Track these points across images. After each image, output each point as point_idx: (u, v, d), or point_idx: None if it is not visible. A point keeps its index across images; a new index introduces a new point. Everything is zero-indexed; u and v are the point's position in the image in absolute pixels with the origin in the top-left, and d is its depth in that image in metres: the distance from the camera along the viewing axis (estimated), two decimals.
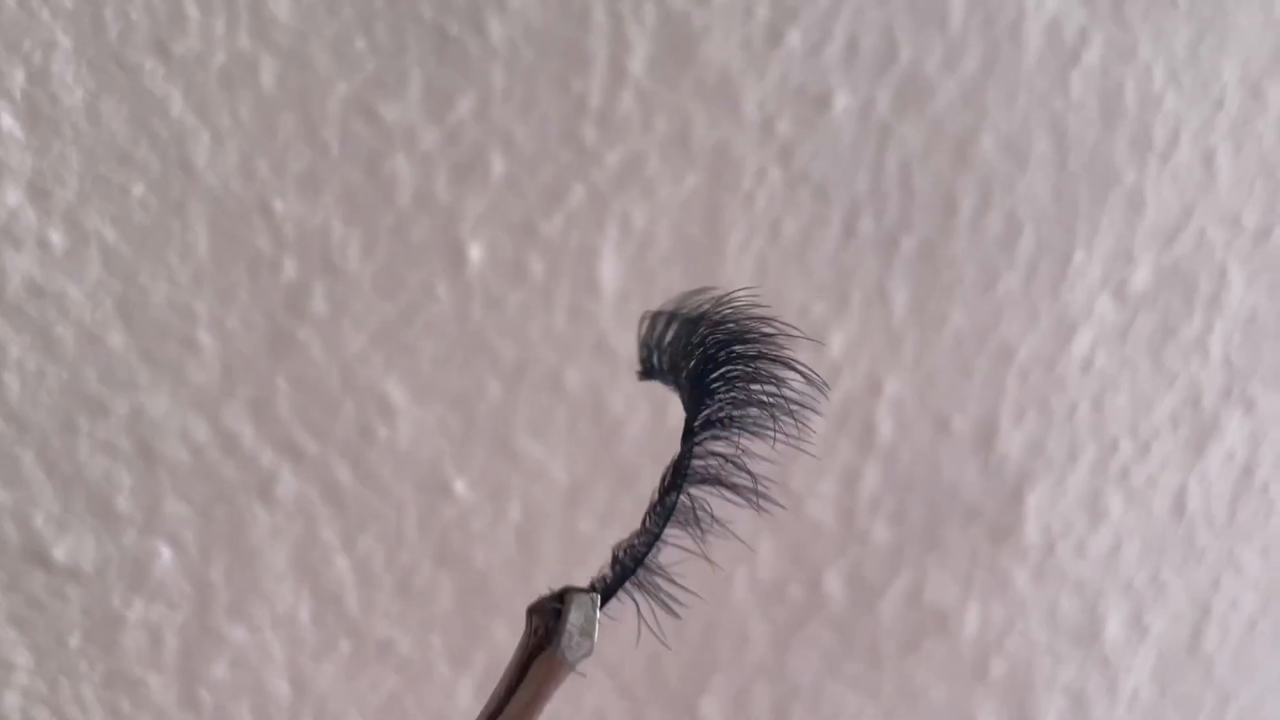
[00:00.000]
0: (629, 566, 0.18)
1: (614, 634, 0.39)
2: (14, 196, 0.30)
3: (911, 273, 0.38)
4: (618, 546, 0.19)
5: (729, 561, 0.39)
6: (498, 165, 0.33)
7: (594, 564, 0.38)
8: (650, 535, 0.18)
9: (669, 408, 0.37)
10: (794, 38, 0.35)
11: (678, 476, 0.18)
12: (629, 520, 0.38)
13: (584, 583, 0.19)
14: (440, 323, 0.34)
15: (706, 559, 0.17)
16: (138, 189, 0.30)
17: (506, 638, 0.37)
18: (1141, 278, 0.41)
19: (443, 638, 0.36)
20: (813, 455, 0.18)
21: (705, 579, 0.39)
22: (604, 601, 0.18)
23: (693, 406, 0.17)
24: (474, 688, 0.37)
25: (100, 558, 0.33)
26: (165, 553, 0.33)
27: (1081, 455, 0.42)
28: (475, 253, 0.33)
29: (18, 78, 0.29)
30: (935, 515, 0.41)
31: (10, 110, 0.29)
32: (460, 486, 0.35)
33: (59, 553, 0.32)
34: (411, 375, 0.34)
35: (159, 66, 0.30)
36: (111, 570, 0.33)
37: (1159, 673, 0.47)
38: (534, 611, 0.17)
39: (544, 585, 0.37)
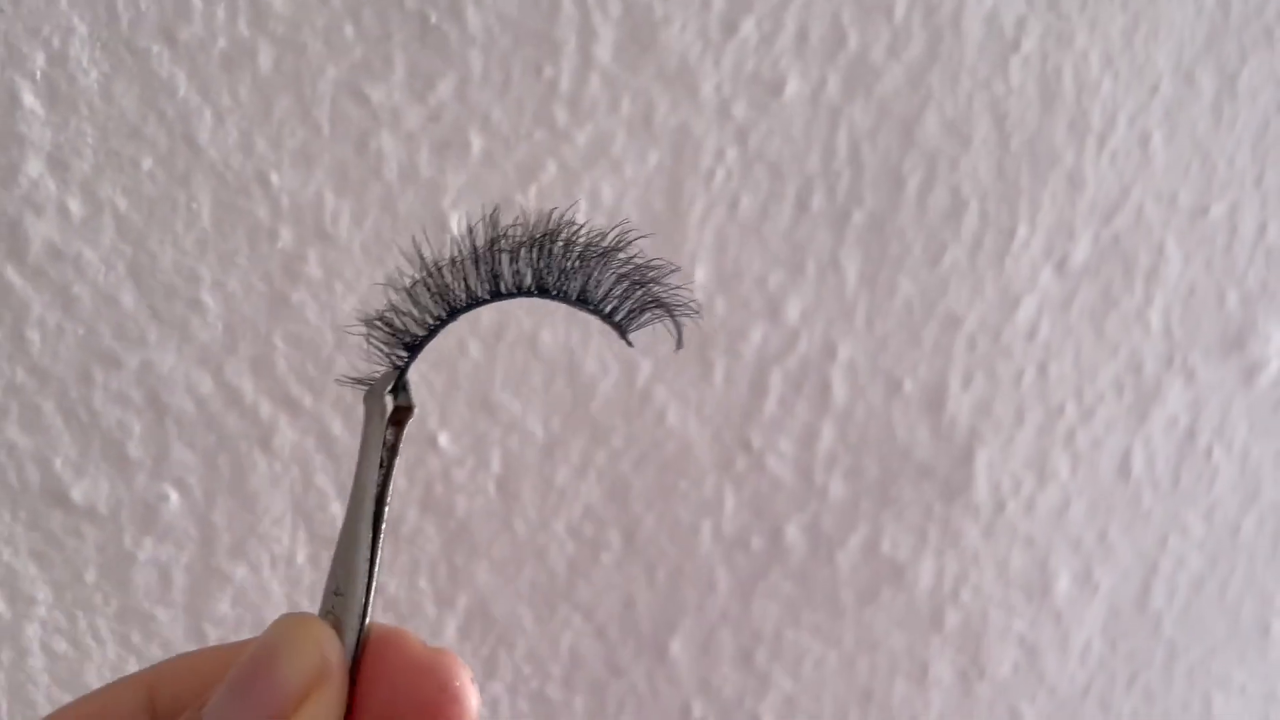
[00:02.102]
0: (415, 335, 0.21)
1: (588, 577, 0.40)
2: (35, 168, 0.32)
3: (862, 245, 0.40)
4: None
5: (695, 513, 0.41)
6: (476, 143, 0.35)
7: (569, 513, 0.40)
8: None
9: (639, 367, 0.39)
10: (748, 27, 0.37)
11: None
12: (602, 471, 0.40)
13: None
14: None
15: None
16: (147, 162, 0.33)
17: (488, 581, 0.39)
18: (1083, 252, 0.43)
19: (428, 580, 0.38)
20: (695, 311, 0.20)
21: (674, 531, 0.41)
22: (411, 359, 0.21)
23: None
24: (457, 627, 0.39)
25: (114, 499, 0.35)
26: (173, 496, 0.35)
27: (1028, 418, 0.44)
28: (456, 224, 0.36)
29: (38, 60, 0.31)
30: (889, 472, 0.43)
31: (32, 89, 0.31)
32: (444, 439, 0.37)
33: (76, 494, 0.34)
34: None
35: (166, 51, 0.32)
36: (124, 512, 0.35)
37: (1109, 627, 0.48)
38: (371, 396, 0.21)
39: (522, 530, 0.39)
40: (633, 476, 0.40)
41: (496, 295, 0.20)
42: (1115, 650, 0.49)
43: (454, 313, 0.21)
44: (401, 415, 0.21)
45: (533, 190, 0.36)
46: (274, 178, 0.34)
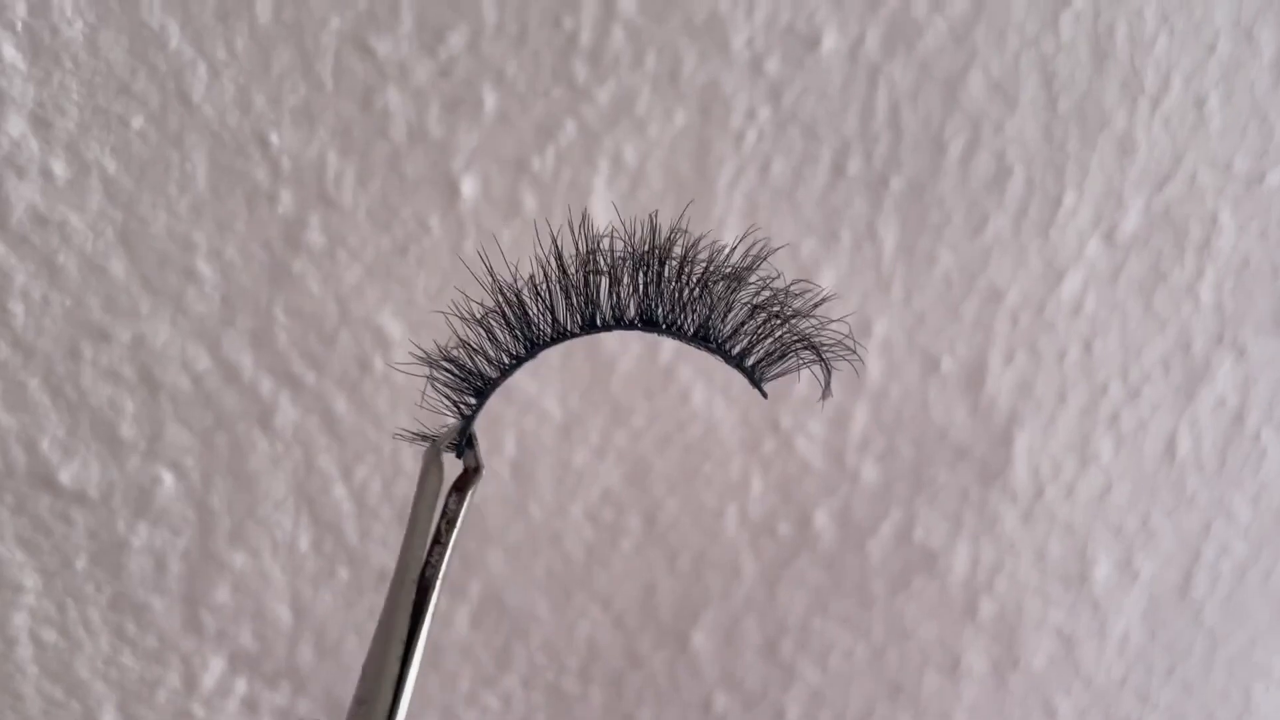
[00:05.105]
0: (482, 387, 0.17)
1: (606, 564, 0.39)
2: (17, 126, 0.30)
3: (901, 213, 0.38)
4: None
5: (720, 497, 0.39)
6: (490, 100, 0.33)
7: (587, 496, 0.38)
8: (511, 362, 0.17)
9: (660, 345, 0.37)
10: None
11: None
12: (621, 453, 0.38)
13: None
14: (434, 256, 0.34)
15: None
16: (137, 120, 0.31)
17: (501, 568, 0.38)
18: (1132, 221, 0.41)
19: None
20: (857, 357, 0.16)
21: (697, 515, 0.39)
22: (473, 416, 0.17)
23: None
24: (469, 616, 0.38)
25: (105, 482, 0.33)
26: (168, 479, 0.34)
27: (1071, 398, 0.42)
28: (468, 187, 0.34)
29: (19, 9, 0.29)
30: (924, 455, 0.41)
31: (12, 41, 0.29)
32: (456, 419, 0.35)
33: (65, 477, 0.33)
34: (406, 308, 0.34)
35: None
36: (116, 495, 0.33)
37: (1149, 616, 0.47)
38: (430, 454, 0.17)
39: (537, 514, 0.37)
40: (654, 458, 0.38)
41: (590, 328, 0.16)
42: (1154, 640, 0.47)
43: (534, 349, 0.16)
44: (467, 479, 0.17)
45: (550, 152, 0.34)
46: (273, 137, 0.32)
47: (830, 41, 0.35)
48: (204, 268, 0.32)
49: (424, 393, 0.16)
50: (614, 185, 0.35)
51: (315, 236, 0.33)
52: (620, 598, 0.39)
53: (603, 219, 0.35)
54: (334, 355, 0.34)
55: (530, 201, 0.34)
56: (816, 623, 0.42)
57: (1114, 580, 0.45)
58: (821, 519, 0.40)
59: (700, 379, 0.38)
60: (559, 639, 0.39)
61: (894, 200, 0.37)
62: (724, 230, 0.36)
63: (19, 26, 0.29)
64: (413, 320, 0.34)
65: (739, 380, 0.38)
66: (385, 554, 0.36)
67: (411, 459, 0.35)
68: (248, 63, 0.31)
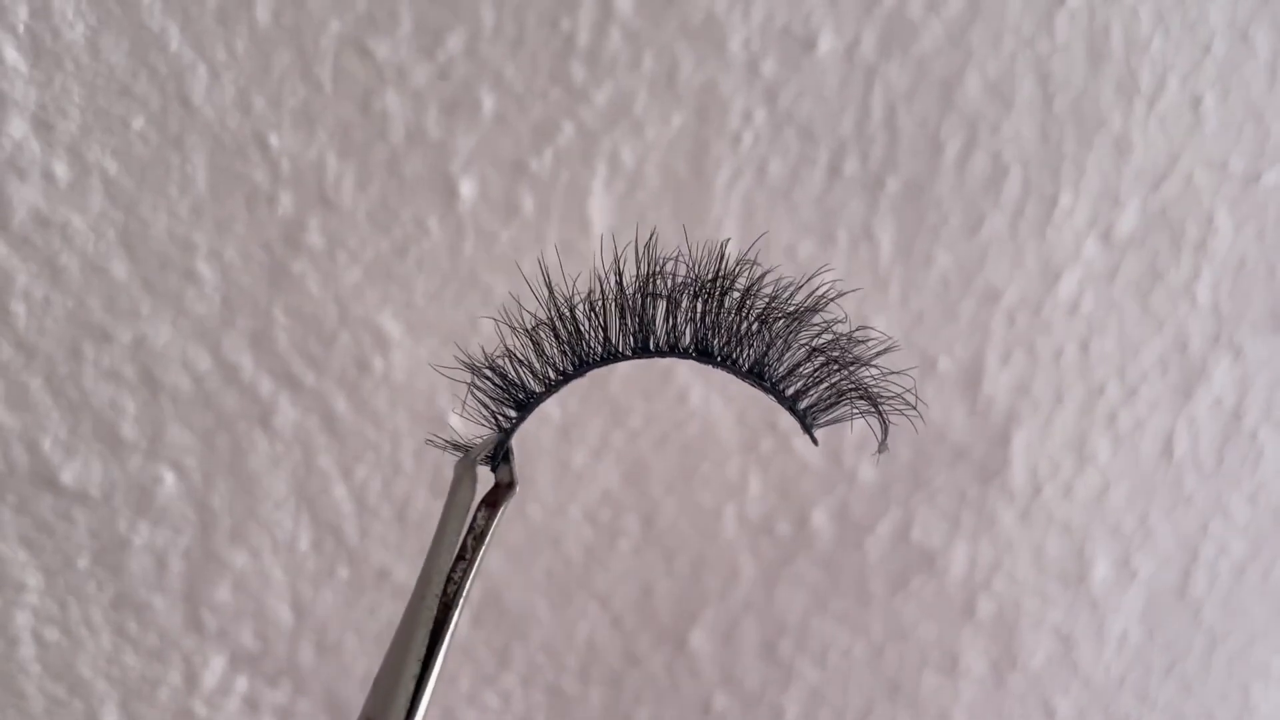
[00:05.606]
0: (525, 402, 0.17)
1: (605, 564, 0.39)
2: (19, 128, 0.30)
3: (897, 213, 0.38)
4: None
5: (718, 497, 0.39)
6: (488, 102, 0.33)
7: (585, 497, 0.38)
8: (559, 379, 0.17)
9: None
10: None
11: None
12: (620, 455, 0.38)
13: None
14: (433, 257, 0.34)
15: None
16: (138, 122, 0.31)
17: (500, 569, 0.38)
18: (1128, 221, 0.41)
19: None
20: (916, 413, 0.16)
21: (695, 515, 0.39)
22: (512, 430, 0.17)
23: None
24: (469, 618, 0.38)
25: (106, 482, 0.33)
26: (169, 478, 0.34)
27: (1068, 398, 0.42)
28: (466, 188, 0.34)
29: (21, 13, 0.29)
30: (922, 455, 0.41)
31: (14, 44, 0.30)
32: (455, 419, 0.36)
33: (66, 477, 0.33)
34: (405, 309, 0.34)
35: (157, 2, 0.30)
36: (117, 495, 0.34)
37: (1147, 615, 0.47)
38: (464, 465, 0.17)
39: (538, 515, 0.38)
40: (653, 459, 0.38)
41: (642, 352, 0.16)
42: (1152, 639, 0.47)
43: (583, 367, 0.16)
44: (499, 495, 0.17)
45: (548, 153, 0.34)
46: (273, 139, 0.32)
47: (826, 43, 0.36)
48: (204, 269, 0.32)
49: (464, 400, 0.16)
50: (611, 187, 0.35)
51: (314, 238, 0.33)
52: (619, 598, 0.39)
53: (600, 223, 0.35)
54: (333, 356, 0.34)
55: (528, 203, 0.34)
56: (815, 622, 0.42)
57: (1112, 579, 0.45)
58: (819, 518, 0.41)
59: (697, 379, 0.38)
60: (558, 639, 0.39)
61: (890, 201, 0.38)
62: (721, 232, 0.36)
63: (20, 29, 0.29)
64: (412, 321, 0.34)
65: (736, 380, 0.39)
66: (385, 553, 0.36)
67: (411, 459, 0.36)
68: (248, 65, 0.31)
